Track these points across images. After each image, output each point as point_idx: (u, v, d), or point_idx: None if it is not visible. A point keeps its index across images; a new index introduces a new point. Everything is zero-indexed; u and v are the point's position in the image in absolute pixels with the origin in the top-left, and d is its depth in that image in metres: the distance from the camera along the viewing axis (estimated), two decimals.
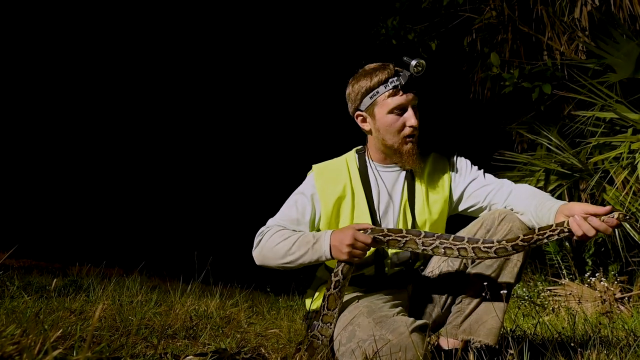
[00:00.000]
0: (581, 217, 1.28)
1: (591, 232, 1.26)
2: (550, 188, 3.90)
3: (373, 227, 1.42)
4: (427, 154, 1.68)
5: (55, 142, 11.59)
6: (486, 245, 1.34)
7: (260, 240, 1.54)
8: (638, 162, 3.24)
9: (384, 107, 1.54)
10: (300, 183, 1.70)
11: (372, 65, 1.58)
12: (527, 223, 1.47)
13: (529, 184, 4.19)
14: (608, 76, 3.88)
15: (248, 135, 13.20)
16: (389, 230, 1.42)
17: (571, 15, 4.73)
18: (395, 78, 1.52)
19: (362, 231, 1.39)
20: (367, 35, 6.20)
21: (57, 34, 11.42)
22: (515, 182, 1.70)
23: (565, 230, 1.31)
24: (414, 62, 1.47)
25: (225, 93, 13.05)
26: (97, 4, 11.71)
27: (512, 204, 1.52)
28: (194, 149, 12.78)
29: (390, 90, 1.52)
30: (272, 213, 1.63)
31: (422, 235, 1.40)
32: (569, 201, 4.84)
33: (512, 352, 1.25)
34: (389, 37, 5.88)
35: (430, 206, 1.60)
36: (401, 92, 1.52)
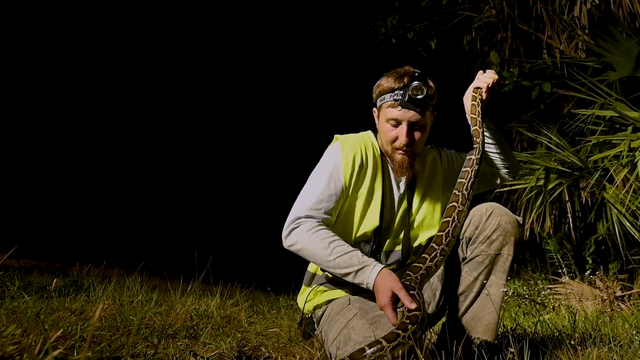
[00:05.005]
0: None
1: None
2: (550, 186, 3.90)
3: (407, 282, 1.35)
4: (427, 152, 1.71)
5: (55, 142, 11.59)
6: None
7: (294, 230, 1.46)
8: (638, 160, 3.24)
9: (384, 114, 1.57)
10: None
11: (397, 70, 1.58)
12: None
13: (529, 183, 4.17)
14: (608, 74, 3.88)
15: (248, 135, 13.21)
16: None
17: (571, 14, 4.73)
18: (401, 92, 1.52)
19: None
20: (367, 34, 6.21)
21: (57, 34, 11.41)
22: (516, 180, 1.71)
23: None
24: (414, 84, 1.49)
25: (225, 93, 13.06)
26: (97, 4, 11.71)
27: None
28: (194, 148, 12.79)
29: (391, 101, 1.53)
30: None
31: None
32: (568, 200, 4.74)
33: (512, 350, 1.25)
34: (388, 36, 5.89)
35: (427, 205, 1.64)
36: (399, 107, 1.52)
